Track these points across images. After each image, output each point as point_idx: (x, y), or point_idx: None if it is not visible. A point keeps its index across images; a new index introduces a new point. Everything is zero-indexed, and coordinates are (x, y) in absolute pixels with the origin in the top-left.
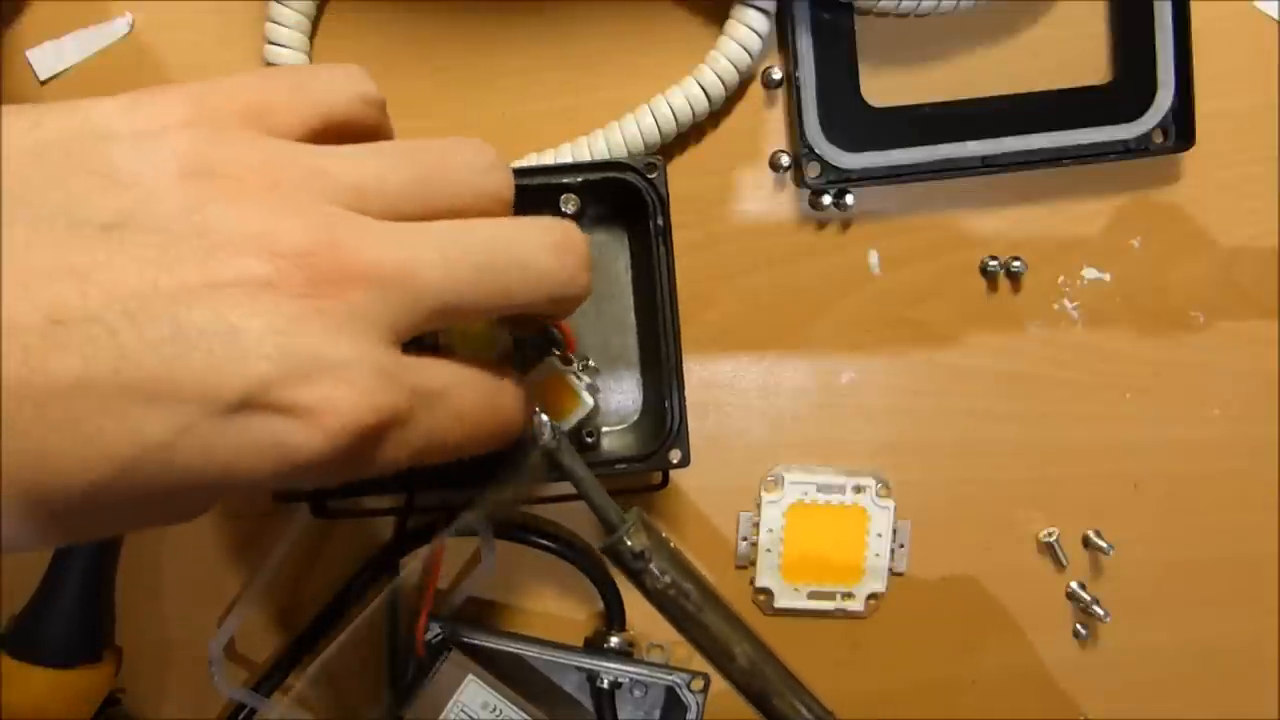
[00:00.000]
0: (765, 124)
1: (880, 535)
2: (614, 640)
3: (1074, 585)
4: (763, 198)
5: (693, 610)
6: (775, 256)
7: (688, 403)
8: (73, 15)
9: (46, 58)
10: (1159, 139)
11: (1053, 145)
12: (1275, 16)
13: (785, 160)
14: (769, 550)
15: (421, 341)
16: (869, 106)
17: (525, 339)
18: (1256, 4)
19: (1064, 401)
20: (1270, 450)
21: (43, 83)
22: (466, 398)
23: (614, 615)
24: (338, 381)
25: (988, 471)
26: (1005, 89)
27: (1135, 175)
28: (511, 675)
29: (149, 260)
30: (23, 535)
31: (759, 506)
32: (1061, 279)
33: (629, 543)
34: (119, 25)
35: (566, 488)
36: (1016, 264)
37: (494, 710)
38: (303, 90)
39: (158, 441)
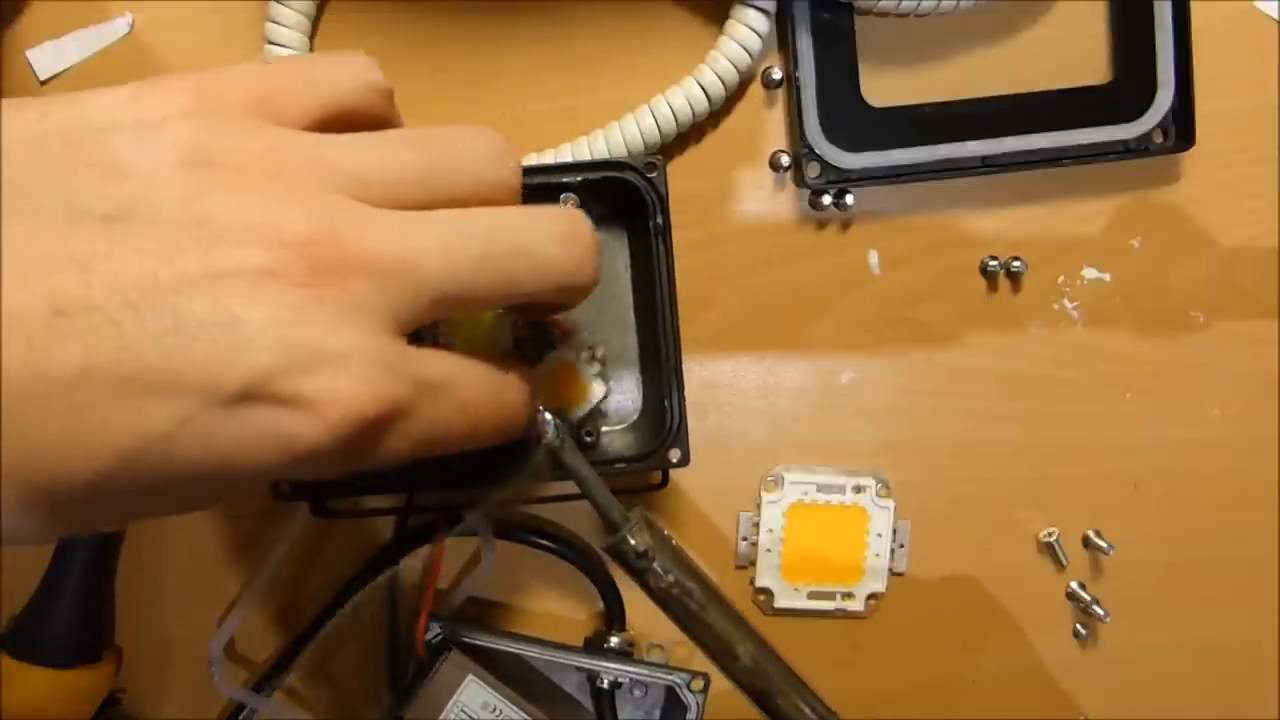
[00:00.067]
0: (765, 124)
1: (880, 535)
2: (614, 640)
3: (1074, 585)
4: (763, 198)
5: (696, 609)
6: (775, 256)
7: (688, 402)
8: (73, 15)
9: (46, 58)
10: (1159, 139)
11: (1053, 145)
12: (1275, 16)
13: (785, 160)
14: (769, 550)
15: (424, 335)
16: (869, 106)
17: (525, 340)
18: (1256, 4)
19: (1064, 401)
20: (1270, 450)
21: (43, 83)
22: (470, 389)
23: (614, 615)
24: (339, 372)
25: (988, 471)
26: (1005, 89)
27: (1135, 175)
28: (511, 675)
29: (149, 251)
30: (25, 526)
31: (759, 506)
32: (1061, 279)
33: (632, 542)
34: (119, 25)
35: (567, 487)
36: (1016, 264)
37: (494, 710)
38: (307, 79)
39: (159, 432)
